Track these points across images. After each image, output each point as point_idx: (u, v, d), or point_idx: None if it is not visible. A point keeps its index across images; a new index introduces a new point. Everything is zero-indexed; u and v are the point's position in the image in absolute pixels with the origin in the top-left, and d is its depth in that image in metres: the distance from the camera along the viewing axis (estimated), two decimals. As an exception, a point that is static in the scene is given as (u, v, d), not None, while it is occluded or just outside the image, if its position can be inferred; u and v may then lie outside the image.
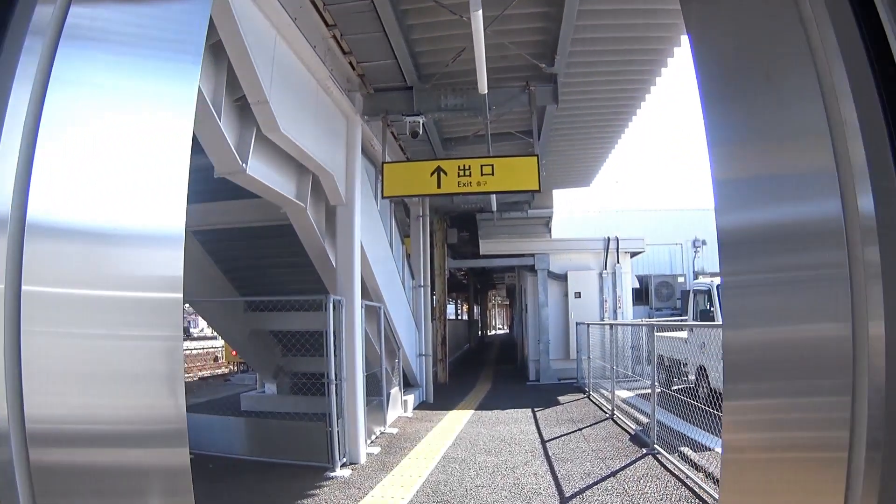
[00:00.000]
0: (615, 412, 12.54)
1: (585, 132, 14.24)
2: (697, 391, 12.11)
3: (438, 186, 9.16)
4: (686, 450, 8.88)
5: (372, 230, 11.48)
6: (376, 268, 11.35)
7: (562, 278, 20.28)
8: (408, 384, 15.51)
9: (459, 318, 47.70)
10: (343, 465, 8.76)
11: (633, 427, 11.04)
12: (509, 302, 56.39)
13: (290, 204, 8.73)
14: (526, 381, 19.99)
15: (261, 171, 7.55)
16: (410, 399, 14.21)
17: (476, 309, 51.76)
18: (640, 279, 24.55)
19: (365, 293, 11.38)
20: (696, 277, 29.14)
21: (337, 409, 8.75)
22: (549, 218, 21.11)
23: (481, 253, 20.22)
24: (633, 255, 21.58)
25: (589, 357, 16.21)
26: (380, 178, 10.52)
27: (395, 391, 13.12)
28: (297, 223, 9.27)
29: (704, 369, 12.25)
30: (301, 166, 8.77)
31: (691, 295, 14.63)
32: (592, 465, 8.71)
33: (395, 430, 11.60)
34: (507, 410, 13.84)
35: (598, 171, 18.32)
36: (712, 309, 13.20)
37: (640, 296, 24.64)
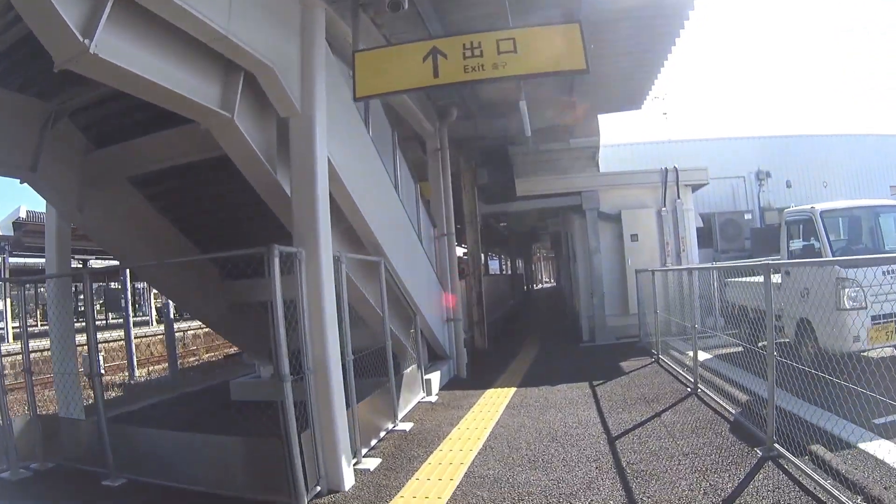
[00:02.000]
0: (699, 384, 9.64)
1: (635, 29, 11.16)
2: (798, 351, 9.66)
3: (435, 75, 6.24)
4: (819, 449, 6.06)
5: (360, 160, 8.70)
6: (370, 210, 8.53)
7: (614, 219, 17.30)
8: (435, 356, 12.92)
9: (503, 272, 45.03)
10: (317, 496, 6.09)
11: (730, 410, 8.15)
12: (555, 253, 54.02)
13: (206, 114, 5.91)
14: (579, 342, 17.15)
15: (130, 54, 4.73)
16: (436, 377, 11.51)
17: (519, 262, 49.30)
18: (702, 218, 21.39)
19: (355, 245, 8.76)
20: (762, 214, 26.06)
21: (301, 416, 6.02)
22: (596, 149, 18.01)
23: (518, 194, 17.25)
24: (696, 188, 18.49)
25: (656, 312, 13.26)
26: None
27: (411, 370, 10.43)
28: (227, 143, 6.50)
29: (809, 324, 9.55)
30: (226, 61, 6.00)
31: (784, 228, 11.54)
32: (690, 482, 5.80)
33: (408, 427, 8.85)
34: (559, 386, 11.02)
35: (650, 88, 15.09)
36: (818, 244, 10.17)
37: (703, 237, 21.49)
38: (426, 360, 12.07)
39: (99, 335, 9.70)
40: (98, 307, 33.50)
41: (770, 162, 27.28)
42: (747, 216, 23.68)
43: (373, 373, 8.71)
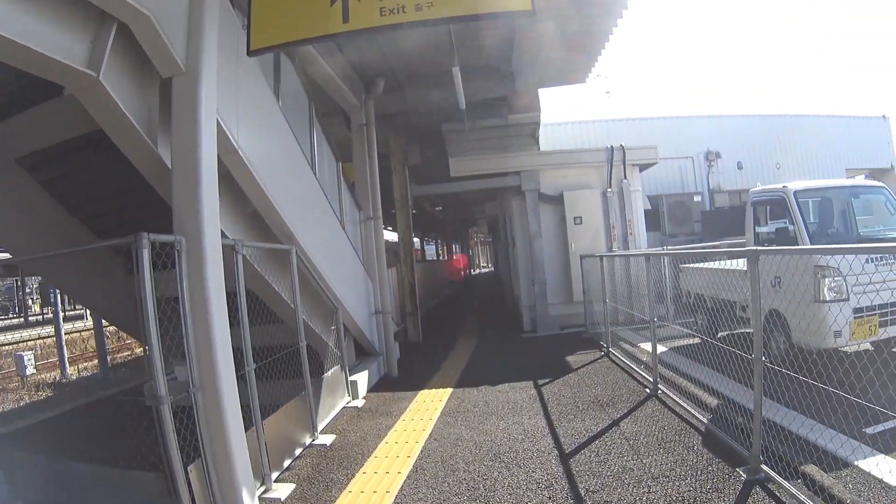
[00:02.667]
0: (659, 384, 8.68)
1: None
2: (766, 346, 8.64)
3: (345, 20, 5.01)
4: (813, 470, 5.15)
5: (268, 135, 7.38)
6: (280, 192, 7.24)
7: (557, 201, 16.29)
8: (363, 353, 11.79)
9: (441, 258, 44.07)
10: (206, 544, 4.93)
11: (699, 417, 7.19)
12: (492, 238, 53.34)
13: (69, 75, 4.61)
14: (520, 333, 16.15)
15: None
16: (363, 378, 10.36)
17: (456, 247, 48.45)
18: (650, 200, 20.53)
19: (264, 232, 7.57)
20: (711, 196, 25.40)
21: (188, 439, 4.85)
22: (536, 125, 16.91)
23: (452, 174, 16.05)
24: (644, 168, 17.58)
25: (605, 301, 12.30)
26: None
27: (333, 372, 9.22)
28: (95, 110, 5.20)
29: (780, 316, 8.74)
30: (99, 13, 4.72)
31: (750, 210, 10.62)
32: (665, 517, 4.82)
33: (329, 440, 7.69)
34: (500, 386, 9.95)
35: (596, 59, 14.04)
36: (793, 227, 9.26)
37: (650, 220, 20.63)
38: (352, 358, 11.00)
39: (34, 331, 8.31)
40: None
41: (720, 143, 26.52)
42: (697, 198, 22.92)
43: (293, 374, 7.60)
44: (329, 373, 8.98)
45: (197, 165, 5.13)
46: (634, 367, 10.26)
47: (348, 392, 9.67)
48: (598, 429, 7.26)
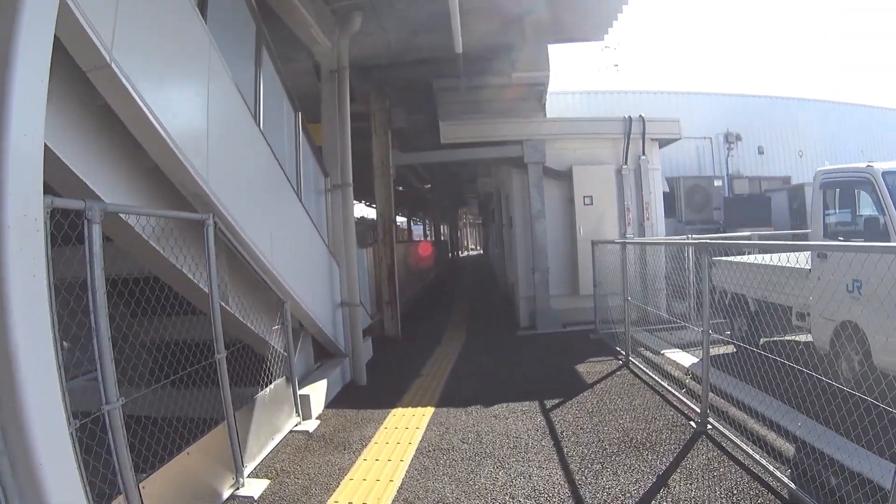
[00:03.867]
0: (709, 418, 6.54)
1: None
2: (835, 365, 7.19)
3: None
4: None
5: (173, 56, 5.04)
6: (189, 138, 5.02)
7: (564, 177, 14.19)
8: (326, 354, 9.63)
9: (428, 238, 41.88)
10: None
11: (775, 471, 5.09)
12: (482, 219, 51.33)
13: None
14: (516, 330, 14.04)
15: None
16: (319, 390, 8.27)
17: (444, 228, 46.34)
18: (666, 182, 18.44)
19: (173, 197, 5.38)
20: (730, 182, 23.25)
21: None
22: (544, 88, 14.67)
23: (443, 141, 13.86)
24: (664, 144, 15.52)
25: (627, 299, 10.19)
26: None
27: (275, 387, 7.00)
28: None
29: (857, 330, 6.67)
30: None
31: (818, 194, 8.38)
32: None
33: (259, 489, 5.55)
34: (495, 409, 7.80)
35: (621, 7, 11.85)
36: (883, 217, 7.08)
37: (665, 205, 18.51)
38: (311, 362, 8.96)
39: None
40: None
41: (740, 124, 24.63)
42: (717, 183, 20.72)
43: (237, 380, 5.86)
44: (268, 389, 6.77)
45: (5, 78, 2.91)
46: (667, 387, 8.19)
47: (297, 411, 7.51)
48: (640, 491, 5.11)
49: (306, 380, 8.43)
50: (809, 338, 7.78)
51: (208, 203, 5.41)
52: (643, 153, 14.45)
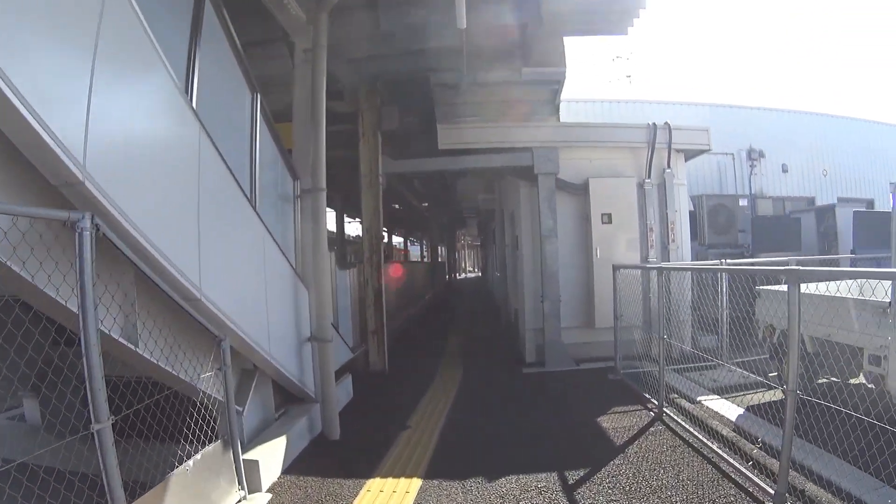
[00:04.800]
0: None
1: None
2: None
3: None
4: None
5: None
6: (56, 106, 3.33)
7: (579, 191, 12.46)
8: (294, 398, 7.86)
9: (424, 258, 40.16)
10: None
11: None
12: (482, 240, 49.70)
13: None
14: (521, 366, 12.18)
15: None
16: (275, 450, 6.48)
17: (441, 250, 44.66)
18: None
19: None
20: (754, 202, 21.56)
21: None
22: (558, 86, 12.76)
23: (441, 146, 12.10)
24: (691, 156, 13.76)
25: (664, 337, 8.36)
26: None
27: (207, 454, 5.17)
28: None
29: None
30: None
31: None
32: None
33: None
34: (503, 483, 5.99)
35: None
36: None
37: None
38: (270, 410, 7.15)
39: None
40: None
41: (762, 140, 22.89)
42: (742, 202, 18.92)
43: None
44: (192, 461, 4.94)
45: None
46: (718, 451, 6.46)
47: (240, 482, 5.67)
48: None
49: (261, 436, 6.65)
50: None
51: (87, 197, 3.64)
52: (668, 166, 12.79)
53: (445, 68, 11.25)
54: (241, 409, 6.27)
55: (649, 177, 12.64)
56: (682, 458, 6.48)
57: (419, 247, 45.56)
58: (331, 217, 29.31)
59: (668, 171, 12.75)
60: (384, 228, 41.91)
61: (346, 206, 23.20)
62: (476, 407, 9.25)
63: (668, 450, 6.76)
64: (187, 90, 5.14)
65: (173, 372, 4.90)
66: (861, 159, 24.56)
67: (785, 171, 23.32)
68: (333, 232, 28.33)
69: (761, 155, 22.80)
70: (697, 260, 14.50)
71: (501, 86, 12.14)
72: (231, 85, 6.62)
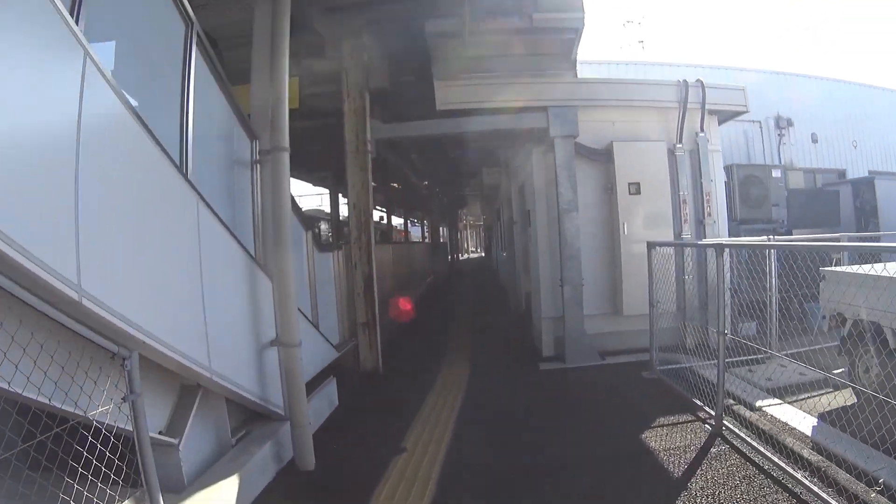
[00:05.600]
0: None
1: None
2: None
3: None
4: None
5: None
6: None
7: (602, 157, 10.85)
8: (259, 415, 6.24)
9: (425, 240, 38.49)
10: None
11: None
12: (483, 220, 48.23)
13: None
14: (537, 362, 10.55)
15: None
16: (226, 491, 4.87)
17: (443, 230, 43.14)
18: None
19: None
20: (784, 174, 19.84)
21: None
22: (576, 35, 10.67)
23: (439, 106, 10.32)
24: (724, 120, 12.14)
25: (725, 333, 6.61)
26: None
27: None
28: None
29: None
30: None
31: None
32: None
33: None
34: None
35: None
36: None
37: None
38: (223, 433, 5.61)
39: None
40: None
41: (790, 108, 20.98)
42: (775, 174, 17.10)
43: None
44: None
45: None
46: (806, 482, 4.95)
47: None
48: None
49: (210, 471, 5.06)
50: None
51: None
52: (701, 129, 11.17)
53: (444, 14, 9.53)
54: (175, 440, 4.67)
55: (681, 141, 11.00)
56: (763, 492, 4.90)
57: (420, 228, 43.91)
58: (324, 201, 27.73)
59: (701, 135, 11.11)
60: (382, 209, 40.56)
61: (341, 184, 21.52)
62: (487, 418, 7.63)
63: (742, 482, 5.17)
64: (77, 15, 3.52)
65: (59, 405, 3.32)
66: (892, 131, 22.82)
67: (814, 141, 21.50)
68: (326, 213, 26.78)
69: (789, 123, 20.96)
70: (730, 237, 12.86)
71: (509, 35, 10.34)
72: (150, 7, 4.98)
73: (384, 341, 10.56)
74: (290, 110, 6.13)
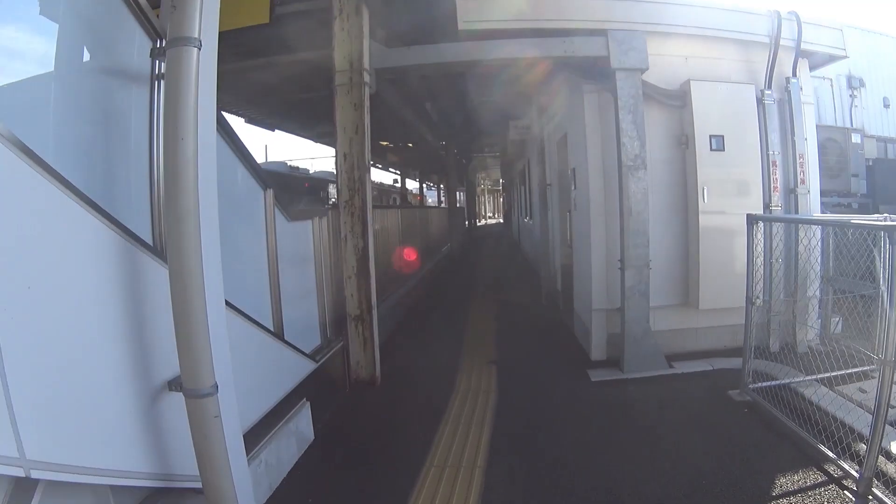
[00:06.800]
0: None
1: None
2: None
3: None
4: None
5: None
6: None
7: (673, 100, 8.27)
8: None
9: (441, 205, 36.14)
10: None
11: None
12: (504, 184, 45.86)
13: None
14: (584, 368, 8.05)
15: None
16: None
17: (460, 195, 40.93)
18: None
19: None
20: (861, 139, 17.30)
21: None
22: None
23: (461, 25, 7.51)
24: (817, 66, 9.58)
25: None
26: None
27: None
28: None
29: None
30: None
31: None
32: None
33: None
34: None
35: None
36: None
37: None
38: None
39: None
40: None
41: (861, 68, 18.33)
42: (855, 139, 14.45)
43: None
44: None
45: None
46: None
47: None
48: None
49: None
50: None
51: None
52: (794, 74, 8.67)
53: None
54: None
55: (769, 87, 8.49)
56: None
57: (436, 192, 42.06)
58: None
59: (793, 81, 8.59)
60: (396, 171, 38.13)
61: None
62: (527, 466, 5.19)
63: None
64: None
65: None
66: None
67: (887, 105, 18.84)
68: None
69: (861, 84, 18.32)
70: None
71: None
72: None
73: (384, 335, 8.14)
74: (259, 26, 3.74)
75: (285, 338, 5.64)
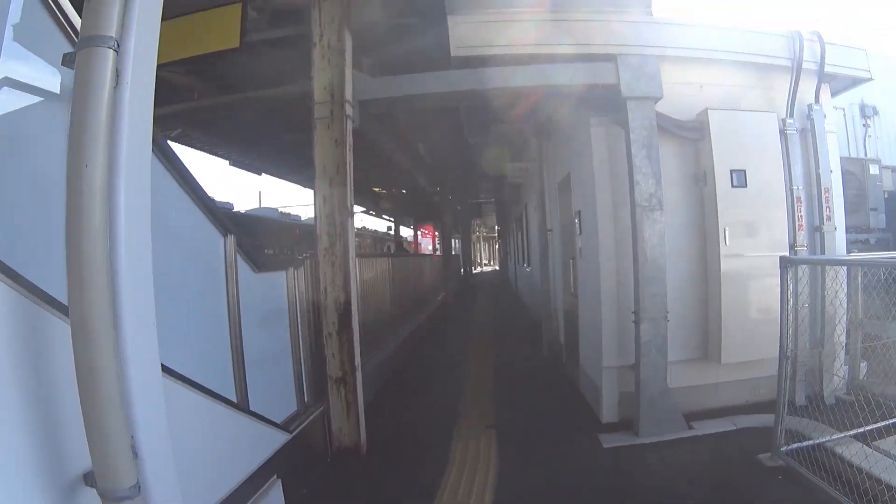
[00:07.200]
0: None
1: None
2: None
3: None
4: None
5: None
6: None
7: (688, 132, 7.57)
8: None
9: (436, 253, 35.57)
10: None
11: None
12: (498, 229, 45.42)
13: None
14: (596, 433, 7.13)
15: None
16: None
17: (455, 242, 40.42)
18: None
19: None
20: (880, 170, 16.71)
21: None
22: None
23: (454, 52, 6.87)
24: (839, 91, 9.00)
25: None
26: None
27: None
28: None
29: None
30: None
31: None
32: None
33: None
34: None
35: None
36: None
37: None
38: None
39: None
40: None
41: (874, 95, 17.74)
42: (873, 170, 13.82)
43: None
44: None
45: None
46: None
47: None
48: None
49: None
50: None
51: None
52: (816, 100, 8.01)
53: None
54: None
55: (791, 116, 7.82)
56: None
57: (430, 239, 42.09)
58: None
59: (815, 108, 7.94)
60: (390, 218, 37.57)
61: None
62: None
63: None
64: None
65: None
66: None
67: (902, 133, 18.32)
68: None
69: (875, 112, 17.77)
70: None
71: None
72: None
73: (372, 394, 7.31)
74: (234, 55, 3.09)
75: (251, 407, 4.82)
